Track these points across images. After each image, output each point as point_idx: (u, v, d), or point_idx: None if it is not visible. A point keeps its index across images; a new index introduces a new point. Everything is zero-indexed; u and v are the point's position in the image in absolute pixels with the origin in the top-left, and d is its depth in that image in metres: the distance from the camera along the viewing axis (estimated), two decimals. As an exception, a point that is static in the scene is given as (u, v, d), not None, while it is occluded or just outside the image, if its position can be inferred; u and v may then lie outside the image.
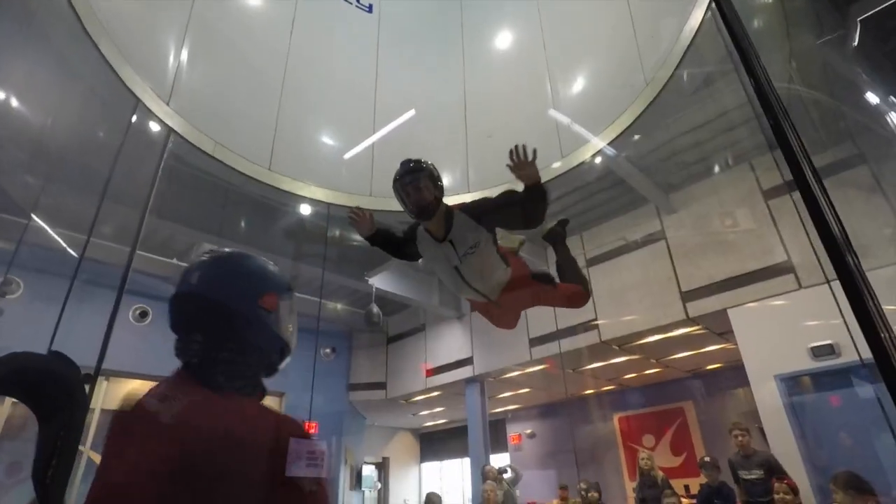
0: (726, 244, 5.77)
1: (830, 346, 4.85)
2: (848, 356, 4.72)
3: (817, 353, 4.92)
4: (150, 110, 4.26)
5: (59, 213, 5.63)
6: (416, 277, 8.42)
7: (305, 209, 5.95)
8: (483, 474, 6.66)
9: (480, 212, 2.16)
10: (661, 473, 5.81)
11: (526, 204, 2.11)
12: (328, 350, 9.35)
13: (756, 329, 5.47)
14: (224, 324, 0.98)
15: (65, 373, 2.21)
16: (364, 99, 5.84)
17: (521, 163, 2.06)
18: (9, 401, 6.07)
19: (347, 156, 5.69)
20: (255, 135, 5.26)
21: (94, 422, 6.85)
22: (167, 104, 4.42)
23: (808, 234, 4.16)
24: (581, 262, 7.15)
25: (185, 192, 5.99)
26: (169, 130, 4.40)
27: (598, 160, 5.23)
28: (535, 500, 8.81)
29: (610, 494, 8.31)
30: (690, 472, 8.04)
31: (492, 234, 2.21)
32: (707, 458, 4.99)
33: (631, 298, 6.50)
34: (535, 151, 2.06)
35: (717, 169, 6.06)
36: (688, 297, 5.97)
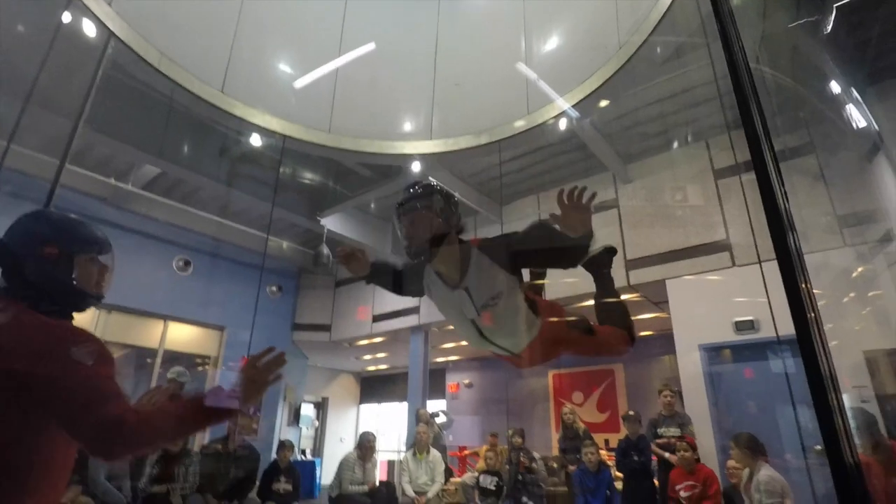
0: (674, 218, 6.00)
1: (752, 321, 5.21)
2: (766, 332, 5.10)
3: (740, 327, 5.28)
4: (88, 8, 3.85)
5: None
6: (371, 223, 8.32)
7: (258, 139, 5.67)
8: (417, 417, 6.89)
9: (507, 254, 1.68)
10: (583, 426, 6.20)
11: (567, 250, 1.66)
12: (274, 288, 9.19)
13: (689, 301, 5.80)
14: (9, 263, 1.27)
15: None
16: (331, 33, 5.51)
17: (577, 205, 1.52)
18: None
19: (299, 84, 5.40)
20: (208, 52, 4.89)
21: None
22: (109, 4, 4.02)
23: (749, 215, 4.35)
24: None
25: (128, 107, 5.56)
26: (109, 34, 4.01)
27: (562, 122, 5.23)
28: (466, 445, 9.25)
29: (537, 444, 8.81)
30: (613, 428, 8.63)
31: (517, 277, 1.77)
32: (631, 413, 5.34)
33: (578, 262, 6.69)
34: (594, 195, 1.55)
35: (675, 144, 6.20)
36: (631, 265, 6.21)
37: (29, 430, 1.11)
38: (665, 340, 7.75)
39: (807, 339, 1.18)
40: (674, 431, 4.92)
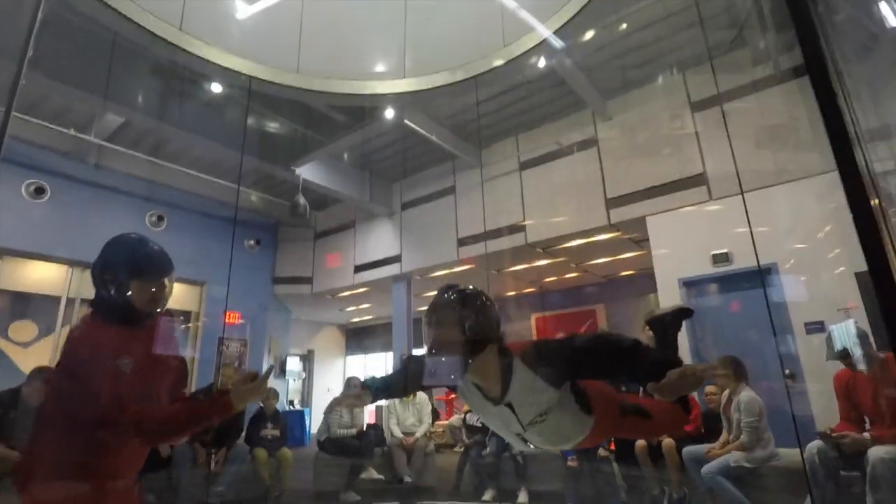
0: (652, 153, 5.95)
1: (726, 253, 5.30)
2: (740, 263, 5.19)
3: (716, 259, 5.37)
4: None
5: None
6: (347, 172, 8.13)
7: (222, 84, 5.40)
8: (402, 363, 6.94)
9: (559, 367, 1.46)
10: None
11: (645, 367, 1.37)
12: (252, 242, 9.04)
13: (668, 237, 5.84)
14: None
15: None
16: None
17: (689, 383, 1.30)
18: None
19: (261, 21, 5.09)
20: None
21: (-12, 302, 6.37)
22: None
23: (731, 145, 4.29)
24: (513, 166, 7.18)
25: (80, 51, 5.21)
26: (49, -37, 3.68)
27: (541, 58, 5.05)
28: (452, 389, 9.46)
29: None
30: (594, 366, 8.87)
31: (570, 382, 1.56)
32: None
33: (559, 202, 6.67)
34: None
35: (655, 78, 6.07)
36: (612, 203, 6.20)
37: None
38: (645, 280, 7.87)
39: (884, 266, 1.03)
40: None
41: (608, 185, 6.26)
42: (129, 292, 1.55)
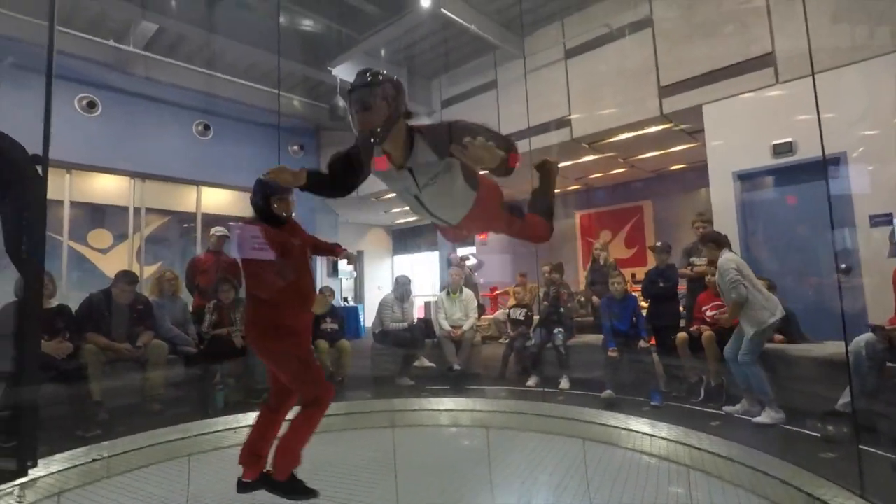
0: (714, 32, 5.40)
1: (790, 143, 4.94)
2: (804, 153, 4.85)
3: (778, 150, 5.03)
4: None
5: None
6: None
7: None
8: (449, 261, 7.19)
9: (444, 146, 1.76)
10: (611, 259, 6.38)
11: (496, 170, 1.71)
12: (296, 147, 9.14)
13: (725, 126, 5.48)
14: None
15: (6, 147, 2.08)
16: None
17: (479, 154, 1.54)
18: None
19: None
20: None
21: (65, 214, 6.89)
22: None
23: (806, 18, 3.84)
24: (559, 55, 6.73)
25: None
26: None
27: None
28: (497, 286, 9.77)
29: (565, 278, 9.23)
30: (640, 262, 8.87)
31: (455, 159, 1.83)
32: (659, 243, 5.37)
33: (606, 93, 6.30)
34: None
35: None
36: (665, 92, 5.80)
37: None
38: (697, 173, 7.55)
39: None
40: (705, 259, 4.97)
41: (662, 71, 5.81)
42: (274, 205, 2.59)
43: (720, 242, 4.24)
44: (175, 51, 7.14)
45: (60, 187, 6.73)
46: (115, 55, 6.71)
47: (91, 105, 6.91)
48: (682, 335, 4.63)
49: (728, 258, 4.05)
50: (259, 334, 2.54)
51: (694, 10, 5.54)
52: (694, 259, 5.08)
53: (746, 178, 5.39)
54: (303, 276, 2.61)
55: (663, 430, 3.49)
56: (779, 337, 4.24)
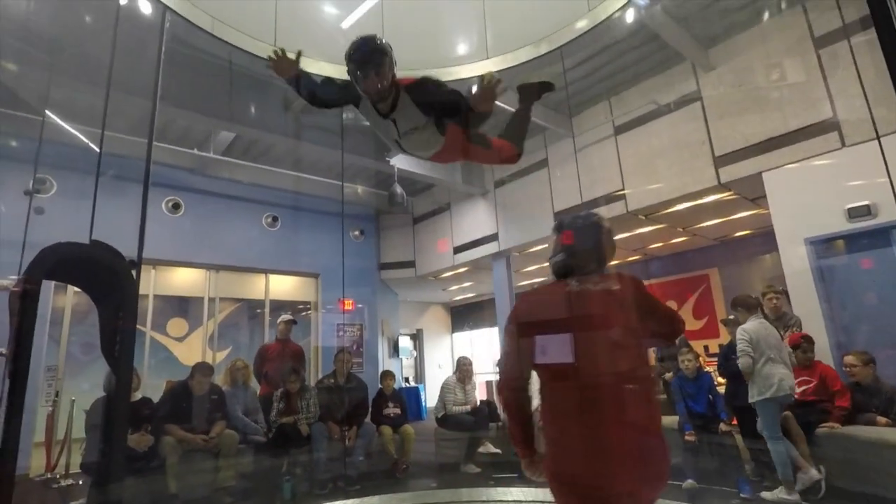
0: (767, 102, 5.38)
1: (867, 206, 4.69)
2: (885, 216, 4.58)
3: (853, 213, 4.78)
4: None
5: (72, 108, 5.56)
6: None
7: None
8: (510, 340, 7.02)
9: (426, 104, 2.15)
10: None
11: (472, 119, 2.24)
12: (357, 232, 9.59)
13: (791, 192, 5.29)
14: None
15: (108, 258, 2.33)
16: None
17: (488, 94, 2.02)
18: (71, 289, 6.53)
19: (345, 24, 5.29)
20: (254, 8, 4.91)
21: (150, 307, 7.42)
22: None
23: (862, 83, 3.77)
24: (608, 132, 6.86)
25: (195, 77, 5.79)
26: (164, 8, 4.13)
27: (629, 13, 4.74)
28: (560, 362, 9.42)
29: (631, 355, 8.80)
30: (710, 334, 8.38)
31: (432, 116, 2.23)
32: (731, 317, 5.10)
33: (659, 166, 6.29)
34: (499, 82, 2.01)
35: (765, 15, 5.43)
36: (721, 161, 5.73)
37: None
38: (763, 238, 7.24)
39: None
40: (783, 333, 4.67)
41: (715, 141, 5.78)
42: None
43: (749, 307, 4.16)
44: (248, 153, 7.86)
45: (146, 282, 7.32)
46: (197, 161, 7.47)
47: (176, 206, 7.63)
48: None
49: (744, 328, 4.01)
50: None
51: (743, 83, 5.57)
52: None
53: (820, 244, 5.11)
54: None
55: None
56: (882, 420, 3.81)
